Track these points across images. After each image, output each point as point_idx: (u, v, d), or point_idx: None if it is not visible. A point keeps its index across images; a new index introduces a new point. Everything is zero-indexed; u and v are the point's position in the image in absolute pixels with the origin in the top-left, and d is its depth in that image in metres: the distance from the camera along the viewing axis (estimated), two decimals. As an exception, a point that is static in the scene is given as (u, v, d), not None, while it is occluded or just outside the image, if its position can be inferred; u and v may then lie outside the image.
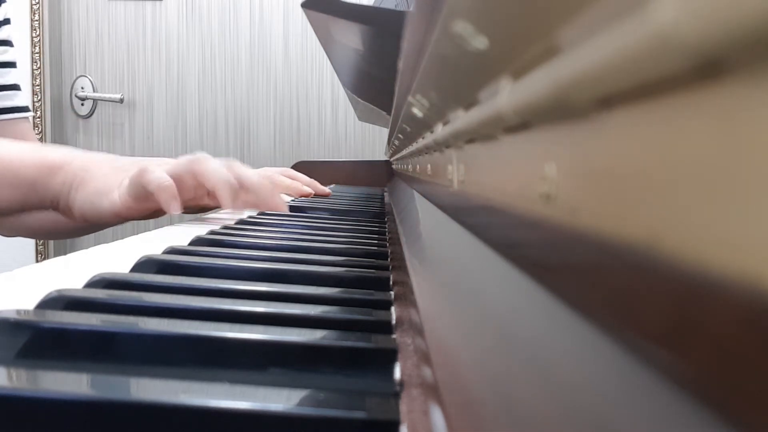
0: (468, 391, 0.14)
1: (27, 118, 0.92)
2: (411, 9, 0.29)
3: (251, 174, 0.61)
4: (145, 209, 0.57)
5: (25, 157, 0.61)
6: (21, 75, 0.97)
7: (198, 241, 0.43)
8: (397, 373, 0.20)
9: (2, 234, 0.87)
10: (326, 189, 0.87)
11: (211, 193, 0.59)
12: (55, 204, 0.61)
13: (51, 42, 1.94)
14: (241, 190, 0.58)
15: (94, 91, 1.97)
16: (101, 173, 0.59)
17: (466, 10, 0.18)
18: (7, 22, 0.92)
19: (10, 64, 0.93)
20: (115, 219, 0.59)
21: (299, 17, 1.91)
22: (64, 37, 1.97)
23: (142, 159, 0.63)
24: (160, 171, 0.55)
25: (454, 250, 0.26)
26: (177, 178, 0.55)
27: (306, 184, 0.88)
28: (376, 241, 0.48)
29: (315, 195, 0.88)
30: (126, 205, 0.56)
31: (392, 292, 0.31)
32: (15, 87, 0.95)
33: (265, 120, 1.95)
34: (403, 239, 0.41)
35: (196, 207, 0.66)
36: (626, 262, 0.10)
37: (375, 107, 1.08)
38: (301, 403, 0.17)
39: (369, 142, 1.95)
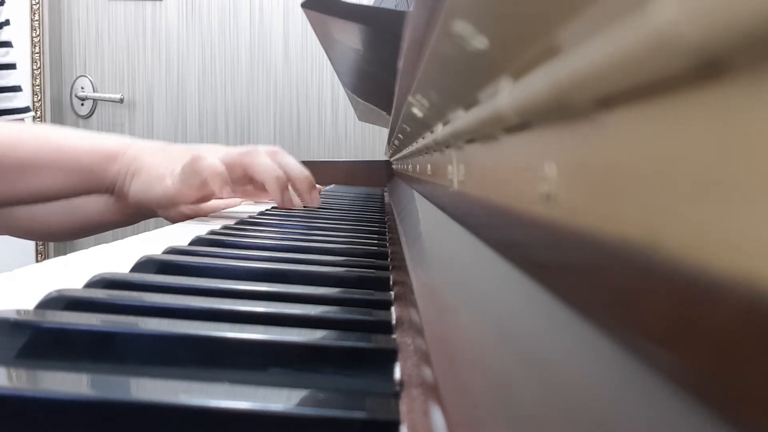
0: (468, 391, 0.14)
1: (24, 119, 0.93)
2: (411, 9, 0.29)
3: (295, 167, 0.66)
4: (196, 195, 0.61)
5: (84, 144, 0.64)
6: (21, 75, 0.97)
7: (198, 241, 0.43)
8: (397, 373, 0.20)
9: (34, 238, 0.90)
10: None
11: (258, 184, 0.64)
12: (111, 190, 0.65)
13: (51, 42, 1.94)
14: (286, 184, 0.64)
15: (94, 91, 1.97)
16: (155, 161, 0.63)
17: (466, 10, 0.18)
18: (6, 23, 0.93)
19: (11, 66, 0.94)
20: (167, 204, 0.62)
21: (299, 17, 1.91)
22: (64, 37, 1.97)
23: (193, 146, 0.67)
24: (212, 158, 0.59)
25: (454, 250, 0.26)
26: (228, 167, 0.60)
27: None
28: (376, 241, 0.48)
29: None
30: (179, 191, 0.60)
31: (392, 292, 0.31)
32: (15, 89, 0.96)
33: (265, 120, 1.95)
34: (403, 239, 0.41)
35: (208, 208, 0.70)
36: (626, 262, 0.10)
37: (375, 107, 1.08)
38: (301, 403, 0.17)
39: (369, 142, 1.95)
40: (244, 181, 0.64)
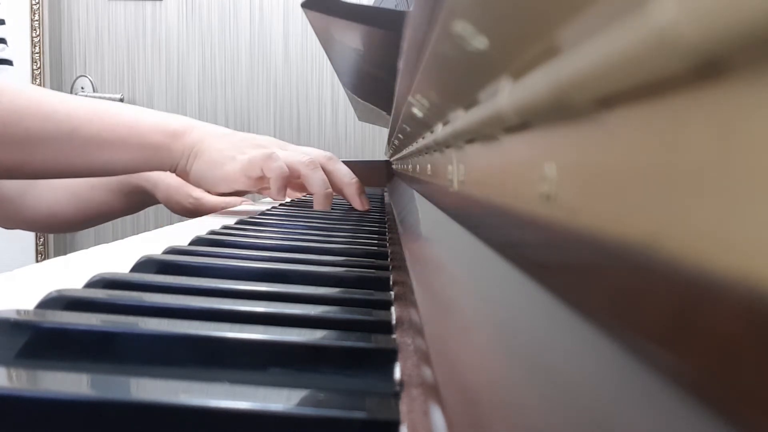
0: (468, 391, 0.14)
1: None
2: (411, 9, 0.29)
3: (346, 174, 0.73)
4: (251, 186, 0.67)
5: (153, 123, 0.68)
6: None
7: (198, 241, 0.43)
8: (397, 373, 0.20)
9: (35, 229, 0.93)
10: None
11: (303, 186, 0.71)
12: (173, 168, 0.69)
13: (51, 42, 1.94)
14: (331, 196, 0.71)
15: (94, 91, 1.97)
16: (217, 146, 0.68)
17: (466, 10, 0.18)
18: (2, 22, 0.94)
19: (6, 62, 0.96)
20: (225, 188, 0.68)
21: (299, 17, 1.91)
22: (64, 37, 1.97)
23: (253, 136, 0.71)
24: (281, 162, 0.66)
25: (454, 250, 0.26)
26: (290, 170, 0.66)
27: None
28: (376, 241, 0.48)
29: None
30: (237, 179, 0.66)
31: (392, 292, 0.31)
32: None
33: (265, 120, 1.95)
34: (403, 239, 0.41)
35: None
36: (626, 262, 0.10)
37: (375, 107, 1.08)
38: (301, 403, 0.17)
39: (369, 142, 1.95)
40: (295, 184, 0.71)
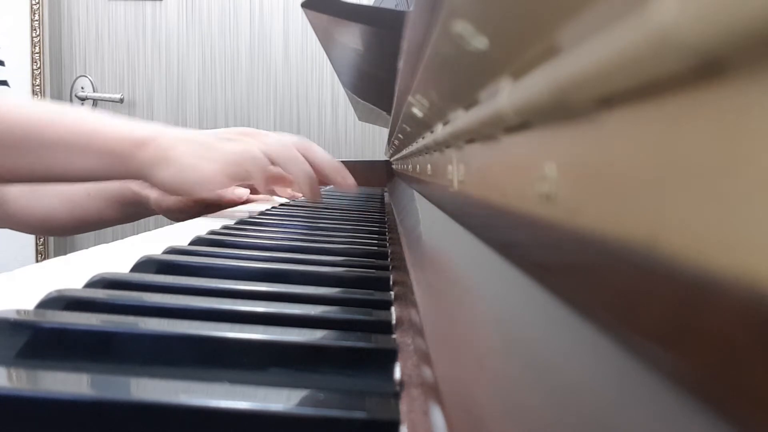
0: (468, 391, 0.14)
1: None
2: (411, 9, 0.29)
3: (326, 158, 0.70)
4: (231, 184, 0.65)
5: (116, 129, 0.65)
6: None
7: (198, 241, 0.43)
8: (397, 373, 0.20)
9: (31, 231, 0.91)
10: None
11: (288, 180, 0.70)
12: (140, 176, 0.66)
13: (51, 42, 1.94)
14: (316, 180, 0.68)
15: (94, 91, 1.97)
16: (186, 150, 0.65)
17: (466, 10, 0.18)
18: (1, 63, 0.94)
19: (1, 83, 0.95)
20: (202, 191, 0.66)
21: (299, 17, 1.91)
22: (64, 37, 1.97)
23: (224, 131, 0.69)
24: (258, 153, 0.64)
25: (454, 250, 0.26)
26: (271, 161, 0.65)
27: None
28: (376, 241, 0.48)
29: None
30: (214, 178, 0.64)
31: (392, 292, 0.31)
32: None
33: (265, 120, 1.95)
34: (403, 239, 0.41)
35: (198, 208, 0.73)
36: (626, 262, 0.10)
37: (375, 107, 1.08)
38: (301, 403, 0.17)
39: (369, 142, 1.95)
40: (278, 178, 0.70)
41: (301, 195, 0.76)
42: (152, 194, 0.83)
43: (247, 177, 0.64)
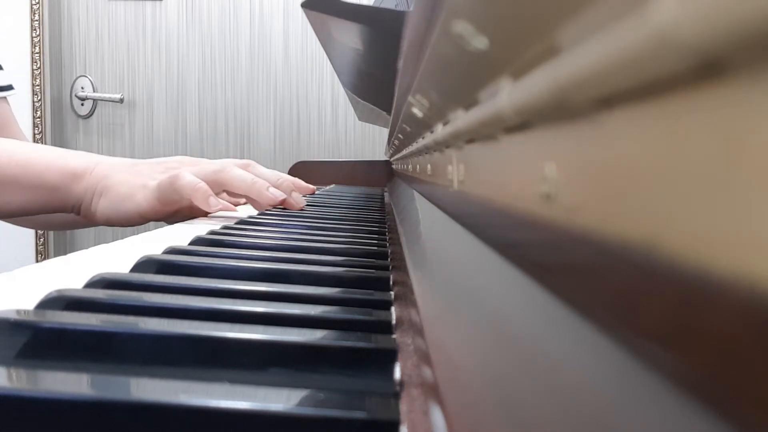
0: (468, 391, 0.14)
1: (5, 98, 0.92)
2: (411, 9, 0.29)
3: (270, 174, 0.67)
4: (170, 211, 0.62)
5: (50, 163, 0.63)
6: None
7: (198, 241, 0.43)
8: (397, 373, 0.20)
9: (24, 225, 0.89)
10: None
11: (236, 195, 0.65)
12: (77, 209, 0.64)
13: (51, 42, 1.94)
14: (265, 184, 0.65)
15: (94, 91, 1.97)
16: (122, 179, 0.63)
17: (466, 10, 0.18)
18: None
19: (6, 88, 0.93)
20: (139, 220, 0.63)
21: (299, 17, 1.91)
22: (64, 37, 1.97)
23: (161, 160, 0.66)
24: (191, 177, 0.60)
25: (454, 250, 0.26)
26: (206, 182, 0.61)
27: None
28: (376, 241, 0.48)
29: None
30: (152, 207, 0.61)
31: (392, 292, 0.31)
32: None
33: (265, 120, 1.95)
34: (403, 239, 0.41)
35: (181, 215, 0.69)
36: (626, 262, 0.10)
37: (375, 107, 1.08)
38: (301, 403, 0.17)
39: (369, 142, 1.95)
40: (221, 196, 0.66)
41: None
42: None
43: (180, 200, 0.60)
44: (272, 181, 0.66)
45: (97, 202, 0.63)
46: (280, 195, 0.66)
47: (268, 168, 0.73)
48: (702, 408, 0.07)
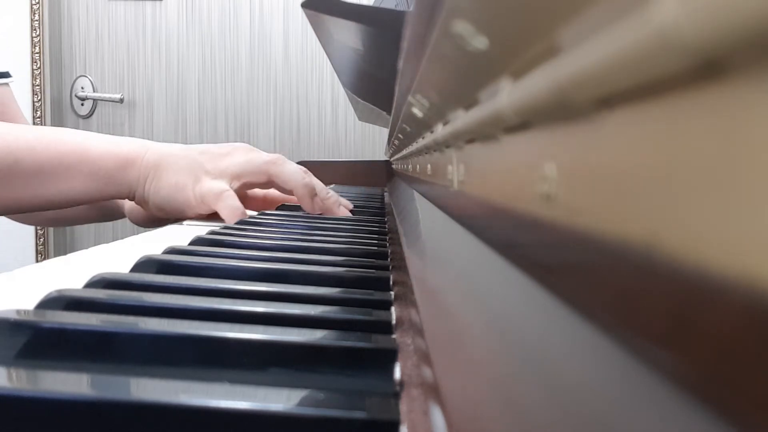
0: (468, 391, 0.14)
1: (7, 84, 0.91)
2: (411, 9, 0.29)
3: (317, 182, 0.68)
4: (209, 213, 0.63)
5: (102, 149, 0.63)
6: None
7: (198, 241, 0.43)
8: (397, 373, 0.20)
9: (17, 219, 0.88)
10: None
11: (283, 189, 0.67)
12: (131, 196, 0.64)
13: (51, 42, 1.94)
14: (314, 191, 0.66)
15: (94, 91, 1.97)
16: (174, 169, 0.63)
17: (466, 10, 0.18)
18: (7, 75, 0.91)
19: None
20: (191, 214, 0.64)
21: (299, 17, 1.91)
22: (64, 37, 1.97)
23: (217, 147, 0.66)
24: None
25: (454, 250, 0.26)
26: (253, 174, 0.63)
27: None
28: (376, 241, 0.48)
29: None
30: (196, 208, 0.63)
31: (392, 292, 0.31)
32: None
33: (265, 120, 1.95)
34: (403, 239, 0.41)
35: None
36: (626, 262, 0.10)
37: (375, 107, 1.08)
38: (301, 403, 0.17)
39: (369, 142, 1.95)
40: (267, 186, 0.67)
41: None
42: (126, 204, 0.80)
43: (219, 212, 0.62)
44: (321, 193, 0.67)
45: (147, 189, 0.63)
46: (323, 208, 0.67)
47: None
48: (702, 408, 0.07)
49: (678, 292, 0.08)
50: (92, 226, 1.98)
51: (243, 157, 0.65)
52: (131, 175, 0.63)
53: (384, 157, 1.45)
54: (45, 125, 1.92)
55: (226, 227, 0.51)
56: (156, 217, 0.72)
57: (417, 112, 0.41)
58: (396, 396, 0.18)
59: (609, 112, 0.11)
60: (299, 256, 0.39)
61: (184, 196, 0.63)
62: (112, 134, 0.69)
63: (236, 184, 0.64)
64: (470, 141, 0.26)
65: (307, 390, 0.18)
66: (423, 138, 0.46)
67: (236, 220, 0.59)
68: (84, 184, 0.62)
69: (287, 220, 0.58)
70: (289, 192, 0.67)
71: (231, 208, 0.61)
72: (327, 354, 0.21)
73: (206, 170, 0.64)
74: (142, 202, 0.64)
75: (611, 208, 0.11)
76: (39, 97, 1.91)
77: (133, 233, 0.55)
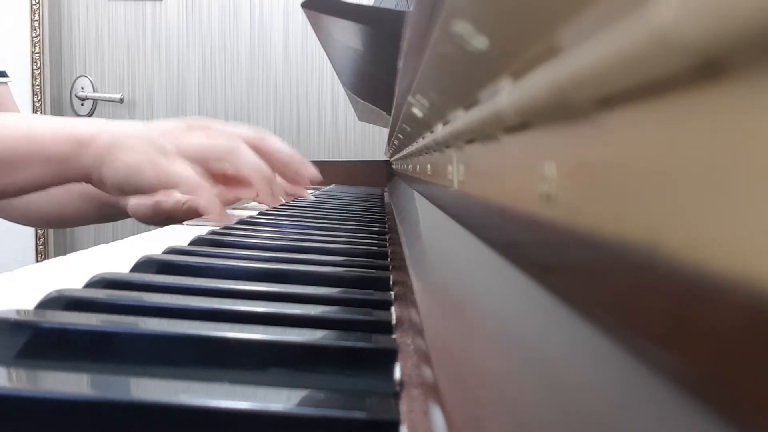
0: (468, 391, 0.14)
1: (5, 83, 0.90)
2: (411, 9, 0.29)
3: (284, 150, 0.64)
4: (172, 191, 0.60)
5: (57, 132, 0.60)
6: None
7: (198, 241, 0.43)
8: (397, 373, 0.20)
9: (13, 220, 0.87)
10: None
11: (240, 182, 0.63)
12: (88, 178, 0.62)
13: (51, 42, 1.94)
14: (273, 178, 0.62)
15: (94, 91, 1.97)
16: (129, 148, 0.60)
17: (466, 10, 0.18)
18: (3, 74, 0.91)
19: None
20: (151, 191, 0.60)
21: (299, 17, 1.91)
22: (64, 37, 1.97)
23: (174, 124, 0.63)
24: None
25: (454, 250, 0.26)
26: (205, 166, 0.59)
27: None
28: (376, 241, 0.48)
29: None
30: (156, 187, 0.58)
31: (392, 292, 0.31)
32: None
33: (265, 120, 1.95)
34: (403, 239, 0.41)
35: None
36: (626, 262, 0.10)
37: (375, 107, 1.08)
38: (301, 403, 0.17)
39: (369, 142, 1.95)
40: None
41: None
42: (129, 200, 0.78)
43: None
44: (285, 159, 0.64)
45: (106, 171, 0.60)
46: (283, 196, 0.65)
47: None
48: (702, 408, 0.07)
49: (678, 292, 0.08)
50: (92, 226, 1.98)
51: (203, 138, 0.61)
52: (87, 157, 0.60)
53: (384, 157, 1.45)
54: (45, 125, 1.91)
55: (226, 227, 0.51)
56: (159, 211, 0.71)
57: (417, 112, 0.41)
58: (396, 396, 0.18)
59: (609, 112, 0.11)
60: (299, 256, 0.39)
61: (144, 178, 0.59)
62: (86, 119, 0.66)
63: (198, 169, 0.61)
64: (470, 141, 0.26)
65: (307, 390, 0.18)
66: (423, 138, 0.46)
67: (218, 215, 0.57)
68: (40, 170, 0.60)
69: (287, 220, 0.58)
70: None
71: (212, 204, 0.57)
72: (327, 354, 0.21)
73: (165, 150, 0.60)
74: (99, 183, 0.62)
75: (611, 208, 0.11)
76: (39, 97, 1.91)
77: (133, 233, 0.55)
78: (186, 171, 0.58)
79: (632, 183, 0.10)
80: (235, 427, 0.16)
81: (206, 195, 0.57)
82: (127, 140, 0.60)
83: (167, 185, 0.59)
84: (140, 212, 0.68)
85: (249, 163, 0.60)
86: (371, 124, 1.85)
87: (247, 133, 0.63)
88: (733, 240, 0.07)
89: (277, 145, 0.64)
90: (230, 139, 0.61)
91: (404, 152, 0.75)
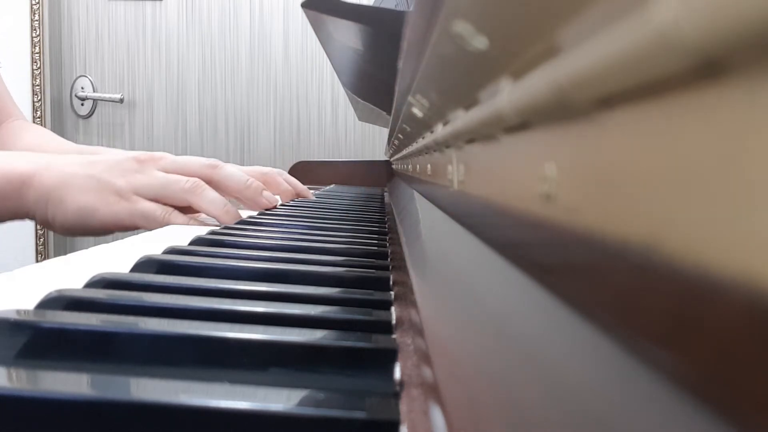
0: (468, 390, 0.14)
1: None
2: (411, 9, 0.29)
3: (239, 181, 0.64)
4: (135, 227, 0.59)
5: None
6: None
7: (198, 241, 0.43)
8: (397, 373, 0.20)
9: None
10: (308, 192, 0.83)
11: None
12: (31, 216, 0.60)
13: (51, 42, 1.94)
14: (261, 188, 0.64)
15: (94, 91, 1.97)
16: (76, 190, 0.58)
17: (466, 10, 0.18)
18: None
19: None
20: (104, 233, 0.59)
21: (299, 17, 1.91)
22: (64, 37, 1.97)
23: (120, 160, 0.60)
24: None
25: (454, 250, 0.26)
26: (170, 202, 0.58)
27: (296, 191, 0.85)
28: (376, 241, 0.48)
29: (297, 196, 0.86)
30: (117, 226, 0.58)
31: (392, 292, 0.31)
32: None
33: (265, 120, 1.95)
34: (403, 239, 0.41)
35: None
36: (626, 262, 0.10)
37: (375, 107, 1.08)
38: (301, 403, 0.17)
39: (369, 142, 1.95)
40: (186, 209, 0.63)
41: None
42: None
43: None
44: (240, 189, 0.63)
45: (53, 211, 0.58)
46: (274, 200, 0.66)
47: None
48: (702, 408, 0.07)
49: (677, 292, 0.08)
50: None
51: (160, 177, 0.59)
52: (28, 197, 0.58)
53: (384, 157, 1.45)
54: (45, 125, 1.92)
55: (226, 227, 0.51)
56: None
57: (417, 112, 0.41)
58: (396, 396, 0.18)
59: (609, 113, 0.11)
60: (299, 256, 0.39)
61: (97, 219, 0.57)
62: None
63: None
64: (470, 141, 0.26)
65: (307, 390, 0.18)
66: (423, 138, 0.46)
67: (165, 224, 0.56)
68: None
69: (287, 220, 0.58)
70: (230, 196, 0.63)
71: (150, 223, 0.56)
72: (327, 354, 0.21)
73: (116, 189, 0.58)
74: (45, 224, 0.59)
75: (611, 208, 0.11)
76: (39, 97, 1.91)
77: (133, 233, 0.55)
78: (148, 207, 0.57)
79: (632, 183, 0.10)
80: (235, 427, 0.16)
81: (181, 220, 0.57)
82: (75, 180, 0.58)
83: (127, 226, 0.57)
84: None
85: (208, 199, 0.59)
86: (371, 124, 1.85)
87: (198, 165, 0.61)
88: (733, 240, 0.07)
89: (231, 174, 0.63)
90: (186, 171, 0.60)
91: (404, 152, 0.75)
